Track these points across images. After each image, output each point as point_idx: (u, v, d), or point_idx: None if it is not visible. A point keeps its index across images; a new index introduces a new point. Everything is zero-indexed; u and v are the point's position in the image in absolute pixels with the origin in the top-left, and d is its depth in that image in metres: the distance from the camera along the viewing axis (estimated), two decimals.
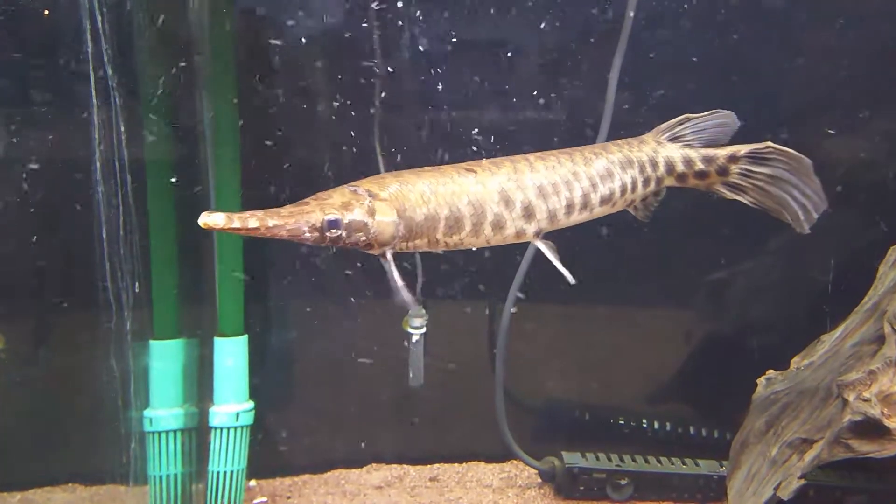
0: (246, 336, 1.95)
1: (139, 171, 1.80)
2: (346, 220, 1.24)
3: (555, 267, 1.39)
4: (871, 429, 1.48)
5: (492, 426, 2.07)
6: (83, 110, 1.65)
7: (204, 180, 1.93)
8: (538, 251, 1.79)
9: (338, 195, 1.28)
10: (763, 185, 1.47)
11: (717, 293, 2.27)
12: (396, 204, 1.29)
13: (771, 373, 1.89)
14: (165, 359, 1.89)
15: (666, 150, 1.50)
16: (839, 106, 2.12)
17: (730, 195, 1.51)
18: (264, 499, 2.08)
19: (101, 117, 1.65)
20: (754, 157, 1.46)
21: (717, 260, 2.22)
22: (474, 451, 2.24)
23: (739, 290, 2.27)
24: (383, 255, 1.31)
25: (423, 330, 1.98)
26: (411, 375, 1.99)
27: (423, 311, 1.98)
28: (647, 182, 1.48)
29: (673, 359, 2.26)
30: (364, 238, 1.26)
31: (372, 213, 1.26)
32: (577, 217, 1.44)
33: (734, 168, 1.48)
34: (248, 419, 1.91)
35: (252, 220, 1.18)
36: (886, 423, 1.46)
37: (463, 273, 2.12)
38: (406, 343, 2.01)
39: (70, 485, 2.05)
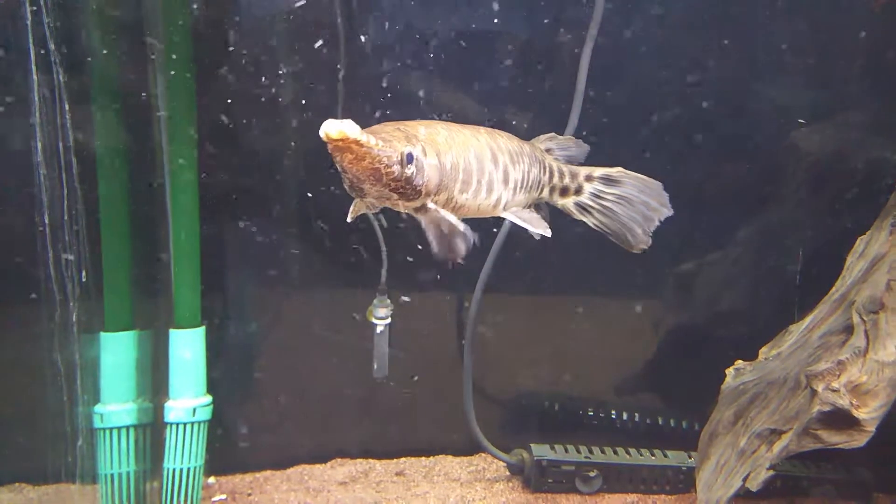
0: (203, 327, 1.87)
1: (87, 153, 1.70)
2: (418, 157, 1.10)
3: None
4: (839, 419, 1.47)
5: (460, 419, 2.02)
6: (22, 87, 1.55)
7: (158, 164, 1.84)
8: (505, 240, 1.75)
9: (393, 130, 1.13)
10: (611, 206, 1.50)
11: (686, 284, 2.26)
12: (434, 148, 1.17)
13: (739, 363, 1.88)
14: (117, 352, 1.80)
15: (549, 159, 1.51)
16: (809, 97, 2.11)
17: (577, 215, 1.53)
18: (223, 496, 2.00)
19: (42, 95, 1.54)
20: (607, 179, 1.51)
21: (686, 250, 2.21)
22: (442, 445, 2.20)
23: (708, 280, 2.25)
24: (423, 208, 1.17)
25: (388, 321, 1.93)
26: (376, 367, 1.93)
27: (388, 302, 1.93)
28: (540, 185, 1.47)
29: (642, 349, 2.25)
30: (420, 182, 1.12)
31: (425, 154, 1.14)
32: (517, 198, 1.39)
33: (588, 187, 1.51)
34: (205, 414, 1.84)
35: (368, 137, 1.05)
36: (855, 413, 1.45)
37: (430, 262, 2.07)
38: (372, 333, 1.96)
39: (17, 484, 1.95)
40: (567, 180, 1.50)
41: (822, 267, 1.93)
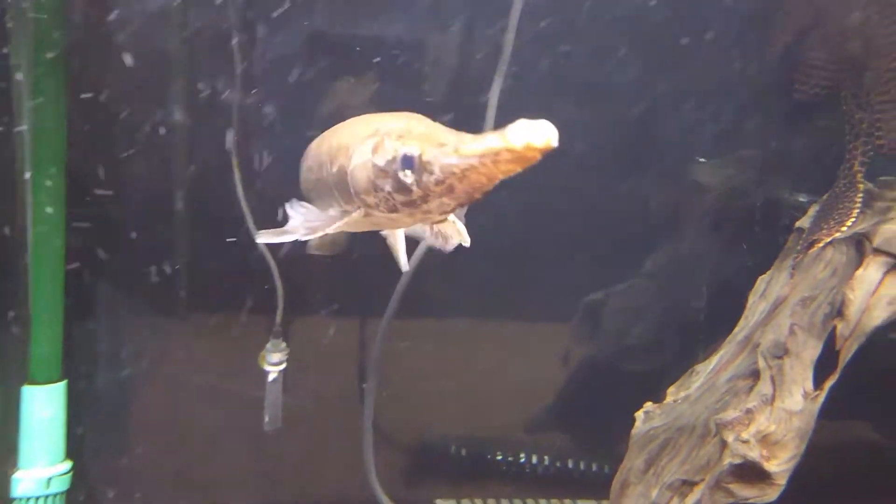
0: (64, 382, 1.63)
1: None
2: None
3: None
4: (751, 472, 1.44)
5: (361, 471, 1.87)
6: None
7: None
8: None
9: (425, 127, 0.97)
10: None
11: (594, 315, 2.23)
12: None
13: (649, 406, 1.84)
14: None
15: None
16: (709, 134, 2.14)
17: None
18: None
19: None
20: None
21: (596, 281, 2.18)
22: (340, 500, 2.03)
23: (615, 312, 2.23)
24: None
25: (283, 367, 1.75)
26: (267, 419, 1.75)
27: (283, 346, 1.76)
28: None
29: (552, 384, 2.19)
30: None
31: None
32: None
33: None
34: (62, 484, 1.59)
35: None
36: (766, 466, 1.42)
37: (330, 297, 1.92)
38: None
39: None
40: None
41: (725, 304, 1.94)
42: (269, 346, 1.76)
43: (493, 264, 2.00)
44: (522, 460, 2.12)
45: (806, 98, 1.91)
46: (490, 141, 0.85)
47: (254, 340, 1.84)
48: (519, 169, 0.86)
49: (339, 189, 1.07)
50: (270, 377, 1.75)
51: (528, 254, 2.12)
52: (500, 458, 2.12)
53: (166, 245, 1.83)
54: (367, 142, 1.01)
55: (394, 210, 0.99)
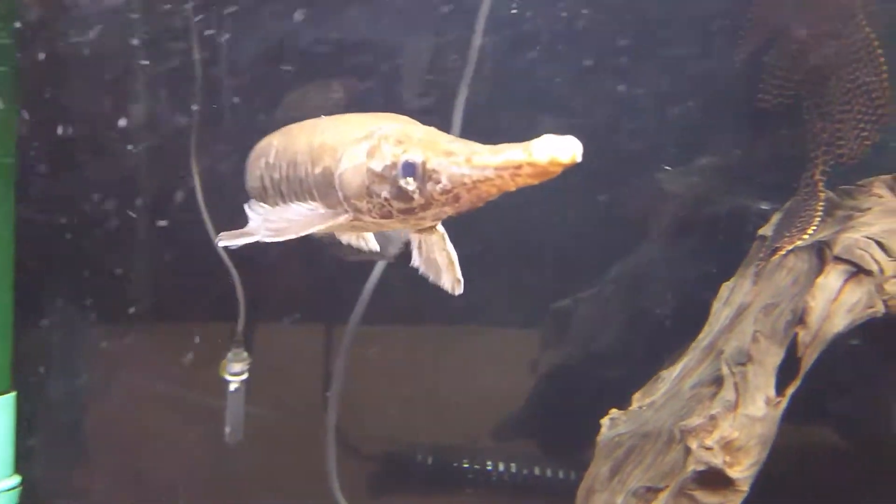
0: (14, 394, 1.57)
1: None
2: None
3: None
4: (714, 479, 1.44)
5: (324, 481, 1.84)
6: None
7: None
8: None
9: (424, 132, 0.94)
10: None
11: (563, 320, 2.23)
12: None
13: (614, 412, 1.84)
14: None
15: None
16: (674, 142, 2.15)
17: None
18: None
19: None
20: None
21: (564, 285, 2.18)
22: None
23: (583, 318, 2.24)
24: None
25: (244, 377, 1.71)
26: (228, 430, 1.71)
27: (245, 355, 1.72)
28: None
29: (520, 391, 2.18)
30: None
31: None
32: None
33: None
34: (10, 500, 1.53)
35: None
36: (729, 472, 1.43)
37: (294, 303, 1.88)
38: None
39: None
40: None
41: (690, 311, 1.95)
42: (229, 355, 1.72)
43: (461, 270, 1.98)
44: (489, 468, 2.11)
45: (769, 107, 1.93)
46: (511, 154, 0.83)
47: (216, 348, 1.80)
48: (535, 182, 0.85)
49: (320, 191, 1.04)
50: (231, 388, 1.71)
51: (497, 260, 2.11)
52: (466, 465, 2.10)
53: (121, 251, 1.78)
54: (360, 144, 0.98)
55: (387, 216, 0.97)
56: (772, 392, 1.52)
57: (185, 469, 1.87)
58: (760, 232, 1.89)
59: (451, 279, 1.13)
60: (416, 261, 1.14)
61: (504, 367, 2.17)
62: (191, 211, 1.69)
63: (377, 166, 0.94)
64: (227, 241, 1.06)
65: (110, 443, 1.84)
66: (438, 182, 0.90)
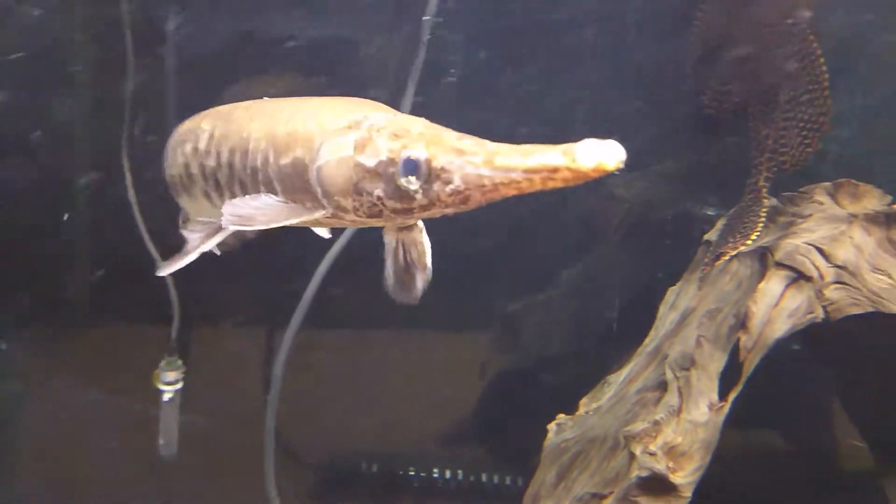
0: None
1: None
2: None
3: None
4: (658, 485, 1.43)
5: (263, 492, 1.77)
6: None
7: None
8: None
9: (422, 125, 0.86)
10: None
11: (513, 325, 2.21)
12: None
13: (561, 417, 1.83)
14: None
15: None
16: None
17: None
18: None
19: None
20: None
21: (514, 291, 2.16)
22: None
23: (533, 322, 2.22)
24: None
25: (179, 386, 1.64)
26: (162, 442, 1.62)
27: (179, 363, 1.64)
28: None
29: (469, 396, 2.15)
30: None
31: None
32: None
33: None
34: None
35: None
36: (672, 478, 1.42)
37: (234, 308, 1.81)
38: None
39: None
40: None
41: (636, 315, 1.95)
42: (163, 363, 1.64)
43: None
44: (436, 475, 2.07)
45: (716, 114, 1.95)
46: (547, 157, 0.78)
47: (151, 355, 1.72)
48: (564, 186, 0.80)
49: (286, 184, 0.94)
50: (165, 397, 1.63)
51: (446, 264, 2.08)
52: (412, 473, 2.06)
53: (52, 254, 1.69)
54: (345, 135, 0.89)
55: (376, 215, 0.89)
56: (715, 397, 1.52)
57: (116, 483, 1.78)
58: (706, 237, 1.90)
59: (422, 273, 1.06)
60: (388, 257, 1.06)
61: (452, 373, 2.14)
62: (123, 210, 1.61)
63: (368, 161, 0.86)
64: (170, 269, 0.99)
65: (37, 455, 1.74)
66: (449, 182, 0.83)
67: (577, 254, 2.17)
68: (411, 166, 0.84)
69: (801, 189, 1.78)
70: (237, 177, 1.01)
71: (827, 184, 1.75)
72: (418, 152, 0.84)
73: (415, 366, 2.07)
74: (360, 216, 0.91)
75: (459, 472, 2.10)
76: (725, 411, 1.50)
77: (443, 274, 2.01)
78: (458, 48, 1.88)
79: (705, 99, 1.95)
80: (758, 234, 1.70)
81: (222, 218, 0.91)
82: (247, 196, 0.95)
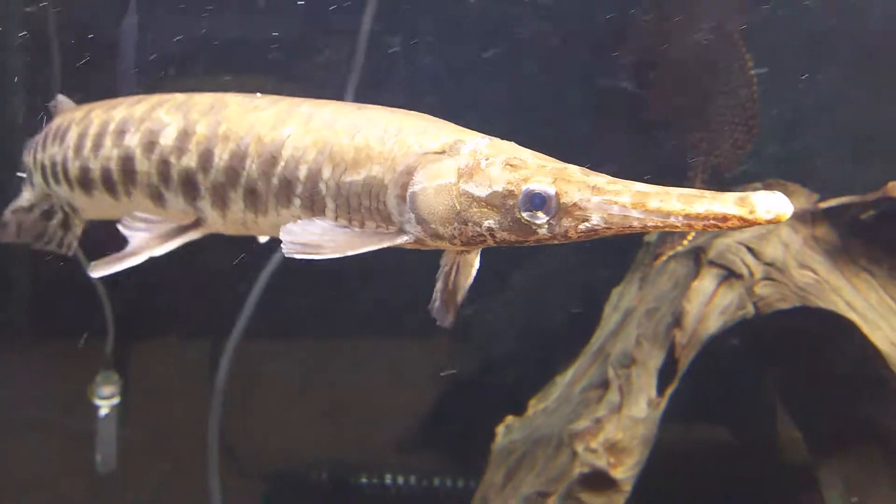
0: None
1: None
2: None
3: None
4: (599, 480, 1.46)
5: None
6: None
7: None
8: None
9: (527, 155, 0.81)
10: None
11: (465, 329, 2.22)
12: None
13: (510, 419, 1.85)
14: None
15: None
16: (563, 150, 2.18)
17: None
18: None
19: None
20: None
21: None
22: None
23: (484, 325, 2.24)
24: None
25: (116, 401, 1.60)
26: (99, 459, 1.58)
27: (116, 378, 1.60)
28: None
29: (419, 400, 2.15)
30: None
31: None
32: None
33: None
34: None
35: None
36: (612, 473, 1.45)
37: (174, 319, 1.78)
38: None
39: None
40: None
41: (587, 316, 1.98)
42: (98, 378, 1.59)
43: (358, 280, 1.94)
44: (388, 482, 2.07)
45: (655, 118, 2.01)
46: (719, 206, 0.76)
47: (88, 370, 1.68)
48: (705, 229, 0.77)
49: (350, 203, 0.87)
50: (102, 412, 1.58)
51: (395, 269, 2.08)
52: (364, 480, 2.05)
53: None
54: (441, 160, 0.85)
55: (477, 244, 0.85)
56: (653, 393, 1.56)
57: (54, 502, 1.73)
58: (646, 238, 1.95)
59: (462, 295, 1.03)
60: (440, 278, 1.03)
61: (404, 379, 2.14)
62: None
63: (478, 191, 0.82)
64: (103, 271, 0.90)
65: None
66: (585, 220, 0.80)
67: (526, 258, 2.20)
68: (538, 201, 0.81)
69: (734, 189, 1.84)
70: (244, 184, 0.91)
71: (758, 183, 1.81)
72: (545, 187, 0.81)
73: (366, 373, 2.07)
74: (456, 244, 0.87)
75: (412, 477, 2.10)
76: (663, 407, 1.54)
77: (393, 279, 2.02)
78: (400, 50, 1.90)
79: (646, 103, 2.01)
80: (693, 234, 1.75)
81: (282, 248, 0.83)
82: (300, 221, 0.87)
